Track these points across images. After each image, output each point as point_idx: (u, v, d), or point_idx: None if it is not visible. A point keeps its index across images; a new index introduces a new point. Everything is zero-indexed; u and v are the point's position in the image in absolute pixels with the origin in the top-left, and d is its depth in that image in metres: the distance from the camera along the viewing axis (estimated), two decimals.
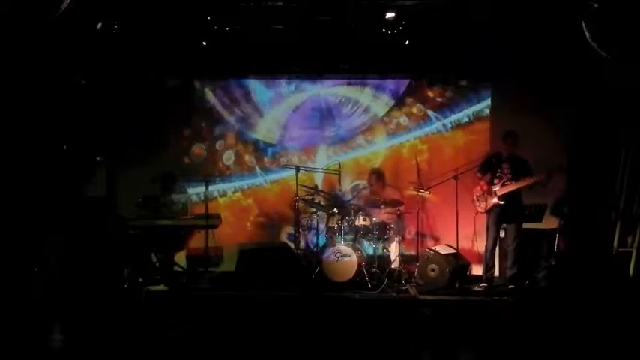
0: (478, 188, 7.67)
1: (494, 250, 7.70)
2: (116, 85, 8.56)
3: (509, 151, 7.53)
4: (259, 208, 9.09)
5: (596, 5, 6.23)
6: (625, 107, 7.64)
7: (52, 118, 7.77)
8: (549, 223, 7.86)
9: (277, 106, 9.04)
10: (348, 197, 8.53)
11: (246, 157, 9.05)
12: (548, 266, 7.58)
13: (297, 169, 8.15)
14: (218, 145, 9.05)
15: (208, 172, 8.86)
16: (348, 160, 8.87)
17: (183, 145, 9.07)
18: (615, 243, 7.58)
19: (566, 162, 8.05)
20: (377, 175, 8.34)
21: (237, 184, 9.07)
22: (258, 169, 9.08)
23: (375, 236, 7.81)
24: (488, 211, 7.56)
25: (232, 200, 9.10)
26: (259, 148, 9.04)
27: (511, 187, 7.40)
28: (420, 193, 8.10)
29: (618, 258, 7.46)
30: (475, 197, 7.67)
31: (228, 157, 9.06)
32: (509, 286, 7.37)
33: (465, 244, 8.35)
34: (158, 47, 8.14)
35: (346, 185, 8.76)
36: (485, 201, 7.55)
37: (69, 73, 7.92)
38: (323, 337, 5.77)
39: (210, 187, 8.44)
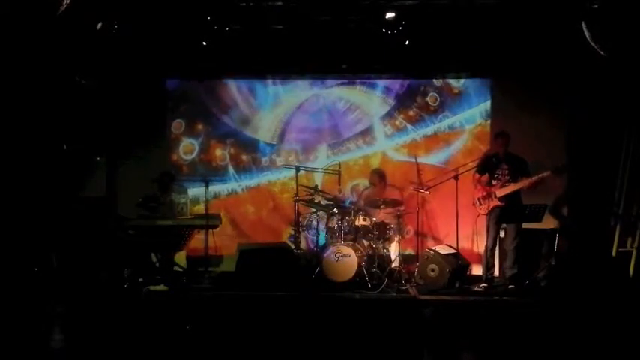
0: (478, 190, 7.67)
1: (495, 250, 7.69)
2: (116, 85, 8.56)
3: (504, 151, 7.53)
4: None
5: (596, 6, 6.23)
6: (625, 107, 7.64)
7: (52, 118, 7.78)
8: (549, 223, 7.86)
9: (277, 106, 9.03)
10: (349, 198, 8.53)
11: (245, 158, 9.05)
12: (548, 266, 7.59)
13: (297, 169, 8.16)
14: (216, 145, 9.04)
15: (208, 172, 8.86)
16: (348, 160, 8.87)
17: (183, 145, 9.06)
18: (615, 243, 7.58)
19: (566, 161, 8.05)
20: (379, 176, 8.35)
21: (236, 184, 9.08)
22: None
23: (375, 236, 7.80)
24: (488, 212, 7.56)
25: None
26: (259, 149, 9.04)
27: (510, 189, 7.40)
28: (420, 193, 8.11)
29: (618, 258, 7.46)
30: (476, 199, 7.67)
31: (228, 158, 9.06)
32: (510, 286, 7.36)
33: (465, 244, 8.36)
34: (158, 47, 8.14)
35: (346, 185, 8.75)
36: (486, 203, 7.55)
37: (69, 73, 7.91)
38: (323, 337, 5.77)
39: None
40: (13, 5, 6.01)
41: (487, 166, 7.63)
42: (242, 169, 9.05)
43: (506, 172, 7.48)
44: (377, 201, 8.12)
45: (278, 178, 9.00)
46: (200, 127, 9.05)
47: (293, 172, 8.19)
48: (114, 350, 5.37)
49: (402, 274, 7.73)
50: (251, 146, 9.03)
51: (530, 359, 5.37)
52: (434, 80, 8.85)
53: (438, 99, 8.85)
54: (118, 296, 7.15)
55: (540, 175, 7.24)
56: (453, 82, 8.83)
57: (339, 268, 7.43)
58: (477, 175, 7.70)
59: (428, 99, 8.86)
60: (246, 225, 8.98)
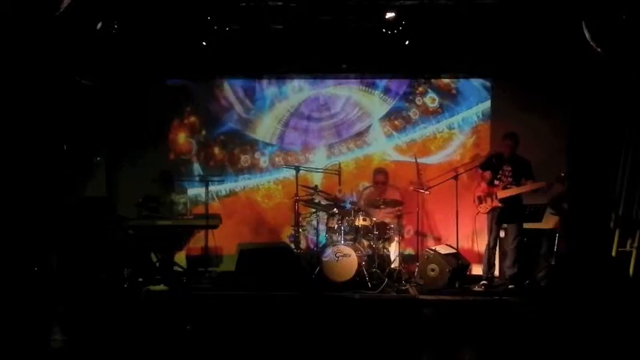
0: (480, 189, 7.67)
1: (495, 249, 7.69)
2: (116, 85, 8.56)
3: (509, 153, 7.52)
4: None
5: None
6: (625, 108, 7.64)
7: (52, 118, 7.77)
8: (549, 223, 7.85)
9: (277, 106, 9.03)
10: (349, 198, 8.52)
11: (245, 158, 9.05)
12: (548, 266, 7.59)
13: (297, 169, 8.15)
14: (216, 145, 9.04)
15: (207, 172, 8.86)
16: (348, 160, 8.87)
17: (183, 145, 9.05)
18: (615, 243, 7.57)
19: (566, 160, 8.06)
20: (383, 175, 8.35)
21: (235, 183, 9.07)
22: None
23: (375, 236, 7.80)
24: (489, 212, 7.56)
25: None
26: (258, 148, 9.04)
27: (512, 192, 7.38)
28: (420, 193, 8.11)
29: (618, 258, 7.46)
30: (477, 198, 7.67)
31: (228, 158, 9.06)
32: (510, 286, 7.36)
33: (465, 244, 8.37)
34: (158, 47, 8.14)
35: (346, 185, 8.74)
36: (486, 202, 7.55)
37: (69, 73, 7.91)
38: (323, 337, 5.77)
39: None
40: (13, 5, 6.01)
41: (490, 165, 7.62)
42: (242, 169, 9.05)
43: (509, 173, 7.46)
44: (377, 201, 8.13)
45: (277, 177, 8.99)
46: (200, 127, 9.05)
47: (292, 172, 8.19)
48: (114, 350, 5.37)
49: (402, 274, 7.73)
50: (251, 146, 9.03)
51: (530, 359, 5.37)
52: (434, 80, 8.85)
53: (438, 99, 8.85)
54: (118, 296, 7.15)
55: (542, 183, 7.24)
56: (452, 82, 8.83)
57: (339, 268, 7.43)
58: (480, 171, 7.70)
59: (428, 99, 8.86)
60: (246, 225, 8.97)
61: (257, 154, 9.04)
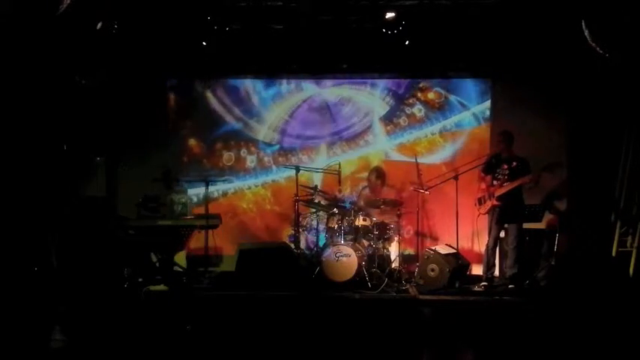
0: (479, 190, 7.68)
1: (496, 249, 7.69)
2: (116, 85, 8.56)
3: (505, 151, 7.54)
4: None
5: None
6: (625, 106, 7.65)
7: (52, 118, 7.77)
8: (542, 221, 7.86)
9: (277, 106, 9.03)
10: (349, 198, 8.52)
11: (244, 158, 9.05)
12: (548, 266, 7.59)
13: (297, 169, 8.15)
14: (216, 145, 9.04)
15: (208, 172, 8.86)
16: (348, 160, 8.86)
17: (182, 144, 9.05)
18: (615, 243, 7.58)
19: (564, 161, 8.06)
20: (377, 174, 8.34)
21: (235, 183, 9.08)
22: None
23: (375, 236, 7.80)
24: (489, 211, 7.57)
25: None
26: (259, 148, 9.04)
27: (506, 188, 7.41)
28: (420, 193, 8.11)
29: (618, 258, 7.46)
30: (477, 199, 7.68)
31: (228, 158, 9.06)
32: (510, 286, 7.37)
33: (465, 244, 8.37)
34: (158, 47, 8.15)
35: (346, 185, 8.74)
36: (486, 202, 7.56)
37: (69, 73, 7.91)
38: (323, 337, 5.77)
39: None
40: (13, 5, 6.01)
41: (490, 166, 7.63)
42: (242, 169, 9.05)
43: (506, 172, 7.47)
44: (377, 201, 8.13)
45: (277, 177, 8.99)
46: (199, 126, 9.05)
47: (292, 172, 8.19)
48: (114, 350, 5.38)
49: (402, 274, 7.73)
50: (251, 146, 9.03)
51: (530, 359, 5.37)
52: (434, 80, 8.84)
53: (438, 99, 8.85)
54: (118, 296, 7.15)
55: (533, 175, 7.26)
56: (452, 82, 8.82)
57: (339, 268, 7.43)
58: (482, 174, 7.72)
59: (428, 99, 8.86)
60: (246, 225, 8.96)
61: (257, 154, 9.03)
